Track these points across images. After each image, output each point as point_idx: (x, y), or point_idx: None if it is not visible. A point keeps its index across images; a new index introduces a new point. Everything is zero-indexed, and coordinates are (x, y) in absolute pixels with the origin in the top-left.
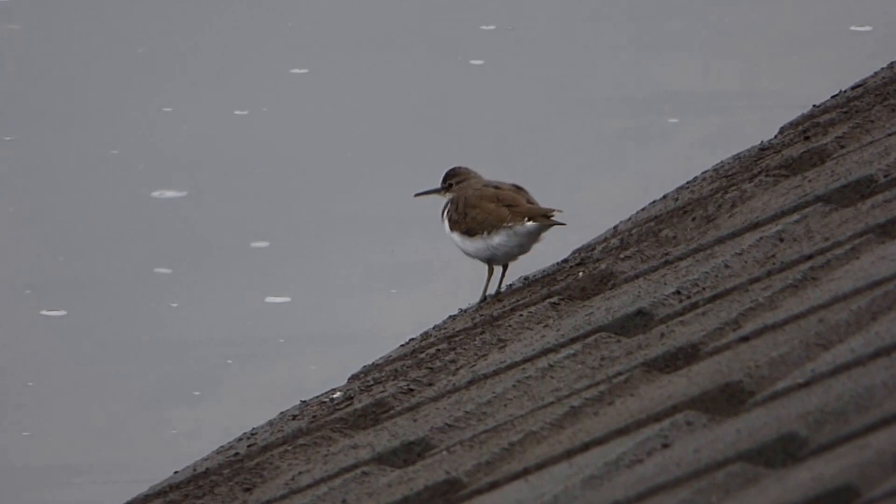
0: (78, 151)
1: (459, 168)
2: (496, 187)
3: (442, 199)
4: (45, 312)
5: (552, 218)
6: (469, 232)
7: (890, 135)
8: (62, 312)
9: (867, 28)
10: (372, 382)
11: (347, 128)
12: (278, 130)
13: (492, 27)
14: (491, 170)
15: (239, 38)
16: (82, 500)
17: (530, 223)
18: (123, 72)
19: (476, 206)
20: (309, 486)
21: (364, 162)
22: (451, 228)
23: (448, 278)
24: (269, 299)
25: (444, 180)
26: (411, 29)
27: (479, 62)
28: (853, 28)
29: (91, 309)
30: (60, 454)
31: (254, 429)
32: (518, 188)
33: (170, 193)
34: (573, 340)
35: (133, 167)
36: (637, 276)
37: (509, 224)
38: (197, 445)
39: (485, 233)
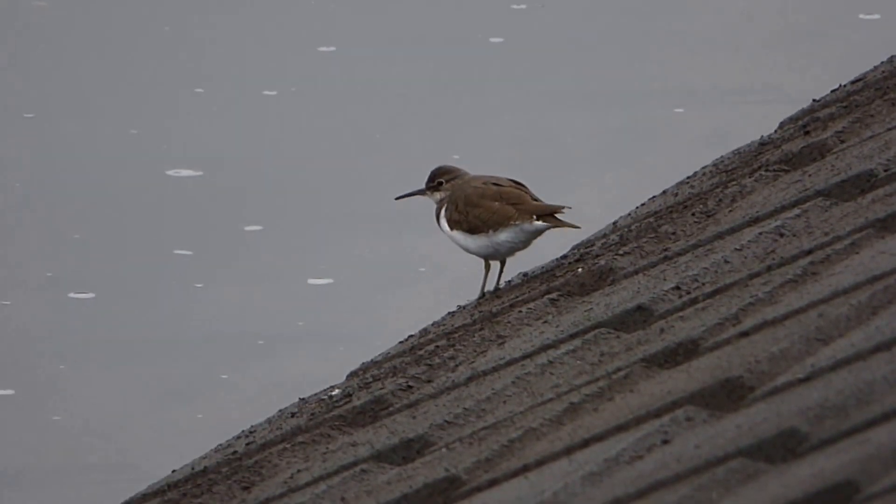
0: (97, 130)
1: (446, 167)
2: (496, 184)
3: (427, 199)
4: (73, 295)
5: (561, 218)
6: (472, 230)
7: (890, 129)
8: (90, 295)
9: (876, 16)
10: (371, 380)
11: (369, 110)
12: (303, 112)
13: (523, 6)
14: (491, 162)
15: (266, 15)
16: (79, 499)
17: (539, 222)
18: (150, 51)
19: (478, 205)
20: (308, 485)
21: (368, 151)
22: (452, 227)
23: (447, 275)
24: (267, 295)
25: (432, 179)
26: (442, 5)
27: (499, 40)
28: (862, 16)
29: (115, 293)
30: (55, 453)
31: (252, 427)
32: (518, 184)
33: (185, 172)
34: (572, 336)
35: (151, 147)
36: (636, 272)
37: (517, 222)
38: (195, 443)
39: (490, 231)
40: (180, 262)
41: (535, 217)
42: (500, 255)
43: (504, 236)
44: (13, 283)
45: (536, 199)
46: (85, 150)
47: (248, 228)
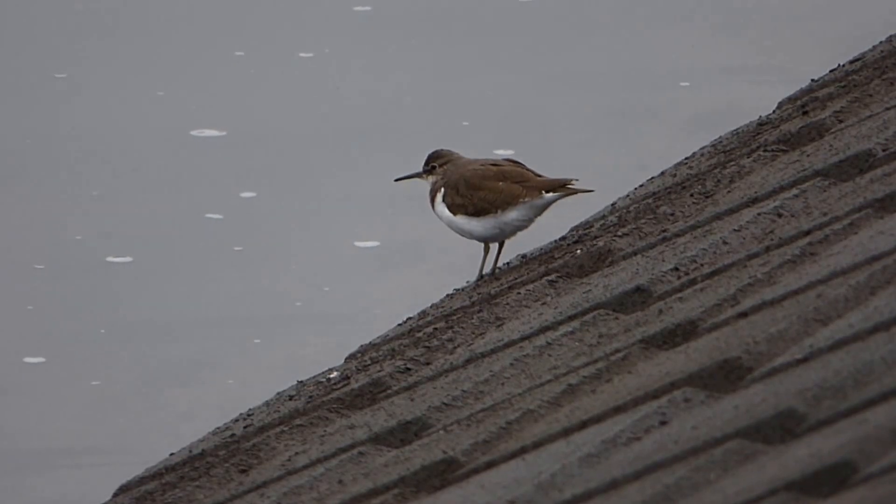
0: (126, 91)
1: (441, 151)
2: (495, 164)
3: (424, 183)
4: (111, 259)
5: (573, 186)
6: (478, 212)
7: (888, 109)
8: (128, 259)
9: None
10: (369, 362)
11: (403, 71)
12: (337, 75)
13: None
14: (491, 143)
15: None
16: (76, 482)
17: (550, 194)
18: (189, 13)
19: (481, 187)
20: (305, 467)
21: (399, 115)
22: (455, 212)
23: (445, 256)
24: (267, 277)
25: (426, 163)
26: None
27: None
28: None
29: (153, 259)
30: (53, 436)
31: (250, 409)
32: (516, 162)
33: (209, 132)
34: (571, 318)
35: (180, 108)
36: (635, 253)
37: (525, 199)
38: (192, 426)
39: (497, 211)
40: (213, 227)
41: (544, 191)
42: (504, 235)
43: (513, 215)
44: (46, 247)
45: (539, 175)
46: (118, 111)
47: (243, 195)
